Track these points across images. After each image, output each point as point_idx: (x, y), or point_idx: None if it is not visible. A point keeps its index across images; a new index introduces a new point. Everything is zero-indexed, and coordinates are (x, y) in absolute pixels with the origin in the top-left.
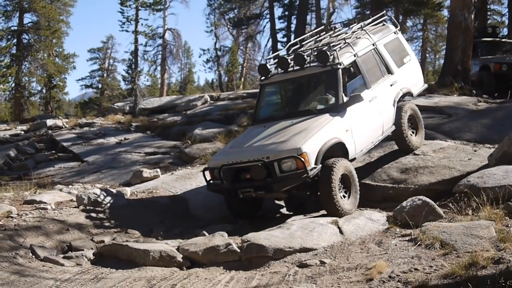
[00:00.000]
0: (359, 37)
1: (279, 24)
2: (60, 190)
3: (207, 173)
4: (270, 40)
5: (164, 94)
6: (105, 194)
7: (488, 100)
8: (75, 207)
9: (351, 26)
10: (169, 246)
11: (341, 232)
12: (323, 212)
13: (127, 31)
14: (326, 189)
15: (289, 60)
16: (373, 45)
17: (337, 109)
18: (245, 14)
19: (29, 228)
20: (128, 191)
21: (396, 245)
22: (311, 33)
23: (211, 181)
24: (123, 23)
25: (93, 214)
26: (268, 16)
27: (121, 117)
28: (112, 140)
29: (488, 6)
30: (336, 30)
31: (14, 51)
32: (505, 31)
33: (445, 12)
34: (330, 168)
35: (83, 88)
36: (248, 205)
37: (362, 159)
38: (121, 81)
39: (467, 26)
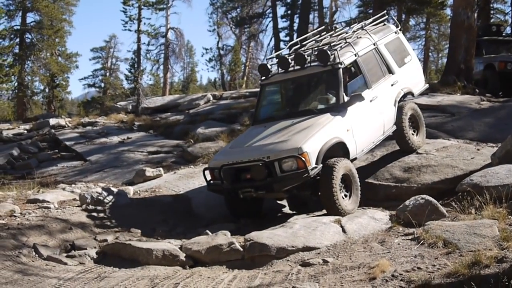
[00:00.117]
0: (360, 37)
1: (281, 23)
2: (63, 189)
3: (207, 173)
4: (273, 39)
5: (166, 93)
6: (108, 193)
7: (491, 99)
8: (78, 206)
9: (351, 26)
10: (172, 245)
11: (344, 231)
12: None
13: (129, 30)
14: (327, 189)
15: (289, 60)
16: (374, 44)
17: (338, 109)
18: (247, 13)
19: (32, 227)
20: (131, 190)
21: (399, 244)
22: (312, 32)
23: (211, 181)
24: (126, 22)
25: (96, 213)
26: (270, 15)
27: (124, 116)
28: (115, 139)
29: (491, 5)
30: (336, 30)
31: (17, 51)
32: (508, 29)
33: (448, 11)
34: (331, 168)
35: (86, 87)
36: (248, 205)
37: (365, 158)
38: (124, 80)
39: (470, 25)
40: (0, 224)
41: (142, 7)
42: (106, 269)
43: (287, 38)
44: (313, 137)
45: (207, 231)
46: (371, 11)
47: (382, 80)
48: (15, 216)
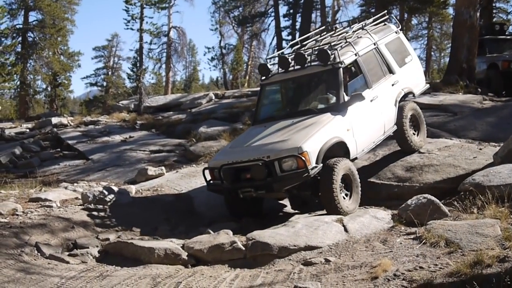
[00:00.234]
0: (360, 37)
1: (284, 22)
2: (65, 188)
3: (207, 173)
4: (275, 38)
5: (169, 92)
6: (110, 192)
7: (494, 98)
8: (80, 205)
9: (352, 26)
10: (174, 244)
11: (346, 230)
12: None
13: (132, 29)
14: (327, 190)
15: (289, 60)
16: (375, 44)
17: (338, 109)
18: (250, 12)
19: (34, 225)
20: (133, 189)
21: (401, 243)
22: (312, 32)
23: (211, 181)
24: (128, 21)
25: (98, 212)
26: (273, 14)
27: (126, 115)
28: (117, 138)
29: (494, 4)
30: (337, 30)
31: (19, 49)
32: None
33: (450, 10)
34: (331, 168)
35: (88, 86)
36: (248, 205)
37: (367, 157)
38: (126, 79)
39: (472, 24)
40: (2, 223)
41: (145, 6)
42: (108, 268)
43: (289, 37)
44: (313, 136)
45: (209, 230)
46: (373, 10)
47: (382, 80)
48: (17, 214)
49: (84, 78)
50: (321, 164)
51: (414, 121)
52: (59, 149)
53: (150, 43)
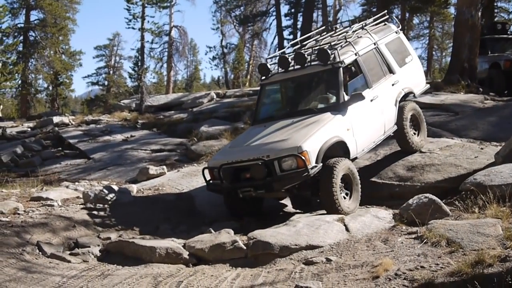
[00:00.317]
0: (360, 36)
1: (285, 22)
2: (67, 187)
3: (206, 172)
4: (276, 37)
5: (170, 92)
6: (111, 191)
7: (495, 98)
8: (82, 204)
9: (352, 26)
10: (175, 243)
11: (347, 229)
12: None
13: (133, 28)
14: (327, 190)
15: (289, 60)
16: (375, 44)
17: (338, 108)
18: (251, 12)
19: (35, 224)
20: (134, 188)
21: (402, 242)
22: (313, 32)
23: (211, 181)
24: (130, 21)
25: (100, 211)
26: (274, 13)
27: (127, 114)
28: (118, 137)
29: (495, 3)
30: (337, 30)
31: (20, 49)
32: None
33: (452, 10)
34: (331, 168)
35: (89, 85)
36: (248, 205)
37: (369, 156)
38: (127, 78)
39: (474, 23)
40: (3, 222)
41: (146, 5)
42: (110, 267)
43: (291, 37)
44: (313, 136)
45: (211, 229)
46: (375, 9)
47: (382, 80)
48: (18, 213)
49: (86, 77)
50: (321, 164)
51: (415, 121)
52: (60, 148)
53: (152, 42)
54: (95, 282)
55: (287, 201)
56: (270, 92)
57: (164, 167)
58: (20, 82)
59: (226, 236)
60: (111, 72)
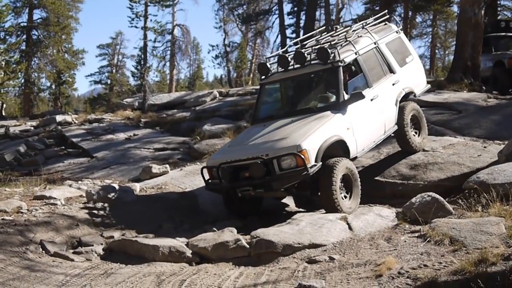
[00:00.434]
0: (361, 36)
1: (288, 20)
2: (70, 185)
3: (205, 172)
4: (279, 36)
5: (173, 90)
6: (114, 190)
7: (498, 96)
8: (85, 203)
9: (352, 25)
10: (178, 241)
11: (350, 228)
12: None
13: (136, 27)
14: (327, 190)
15: (289, 59)
16: (375, 43)
17: (338, 107)
18: (254, 10)
19: (39, 223)
20: (137, 187)
21: (405, 241)
22: (313, 32)
23: (210, 180)
24: (132, 19)
25: (103, 210)
26: (277, 12)
27: (130, 113)
28: (121, 136)
29: (498, 2)
30: (338, 30)
31: (23, 47)
32: None
33: (455, 8)
34: (331, 168)
35: (92, 84)
36: (247, 204)
37: (371, 155)
38: (130, 77)
39: (477, 21)
40: (7, 221)
41: (149, 4)
42: (113, 265)
43: (294, 35)
44: (312, 134)
45: (214, 228)
46: (377, 8)
47: (383, 79)
48: (22, 212)
49: (88, 76)
50: (320, 163)
51: (415, 121)
52: (63, 147)
53: (154, 41)
54: (98, 280)
55: (290, 200)
56: (270, 91)
57: (167, 165)
58: (23, 81)
59: (229, 234)
60: (114, 71)
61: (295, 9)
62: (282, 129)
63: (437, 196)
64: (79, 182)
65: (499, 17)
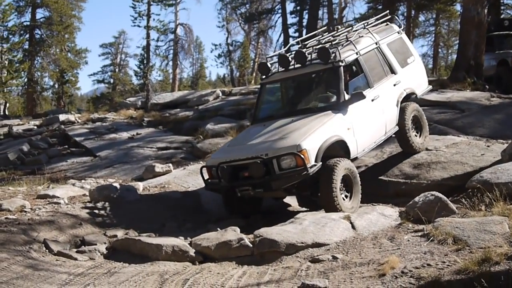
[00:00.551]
0: (362, 36)
1: (290, 19)
2: (73, 184)
3: (204, 171)
4: (282, 35)
5: (176, 89)
6: (117, 189)
7: (501, 95)
8: (88, 202)
9: (354, 25)
10: (181, 241)
11: (353, 227)
12: None
13: (139, 26)
14: (327, 190)
15: (289, 58)
16: (376, 44)
17: (339, 107)
18: (256, 9)
19: (42, 222)
20: (140, 186)
21: (408, 240)
22: (318, 31)
23: (209, 180)
24: (135, 18)
25: (106, 209)
26: (280, 11)
27: (133, 112)
28: (124, 135)
29: (502, 1)
30: (339, 30)
31: (26, 47)
32: None
33: (458, 7)
34: (331, 169)
35: (95, 83)
36: (247, 204)
37: (374, 154)
38: (133, 76)
39: (480, 20)
40: (10, 220)
41: (151, 3)
42: (116, 264)
43: (296, 34)
44: (312, 134)
45: (217, 227)
46: (380, 7)
47: (384, 80)
48: (25, 211)
49: (91, 75)
50: (320, 163)
51: (416, 122)
52: (66, 146)
53: (157, 40)
54: (101, 279)
55: (292, 199)
56: (270, 91)
57: (170, 165)
58: (26, 80)
59: (232, 234)
60: (116, 70)
61: (298, 8)
62: (282, 129)
63: (441, 195)
64: (82, 181)
65: (502, 16)
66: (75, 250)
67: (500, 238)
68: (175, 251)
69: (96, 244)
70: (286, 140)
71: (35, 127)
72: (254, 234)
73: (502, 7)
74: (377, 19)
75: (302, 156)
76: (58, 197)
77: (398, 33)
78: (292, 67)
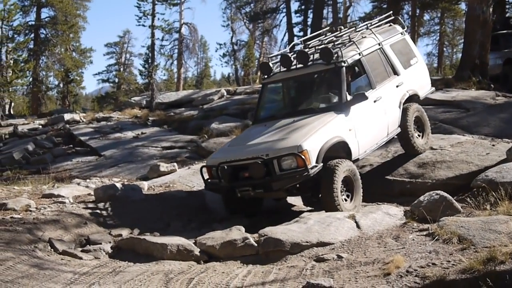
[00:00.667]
0: (365, 36)
1: (295, 18)
2: (78, 184)
3: (204, 171)
4: (287, 34)
5: (180, 89)
6: (122, 188)
7: (507, 94)
8: (93, 201)
9: (357, 25)
10: (186, 240)
11: (358, 226)
12: None
13: (143, 25)
14: (328, 192)
15: (292, 58)
16: (379, 45)
17: (340, 108)
18: (261, 8)
19: (47, 221)
20: (145, 185)
21: (413, 239)
22: (322, 31)
23: (209, 180)
24: (140, 18)
25: (111, 208)
26: (284, 10)
27: (138, 112)
28: (129, 134)
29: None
30: (342, 30)
31: (31, 46)
32: None
33: (463, 6)
34: (332, 170)
35: (100, 83)
36: (247, 204)
37: (379, 153)
38: (138, 75)
39: (485, 19)
40: (16, 219)
41: (156, 2)
42: (121, 263)
43: (301, 34)
44: (313, 135)
45: (222, 226)
46: (385, 6)
47: (386, 81)
48: (30, 210)
49: (96, 74)
50: (321, 164)
51: (419, 122)
52: (71, 145)
53: (162, 40)
54: (106, 278)
55: (297, 199)
56: (272, 91)
57: (175, 164)
58: (31, 79)
59: (237, 233)
60: (121, 69)
61: (303, 7)
62: (283, 129)
63: (446, 194)
64: (87, 180)
65: (507, 15)
66: (80, 249)
67: (506, 237)
68: (180, 250)
69: (101, 243)
70: (287, 141)
71: (40, 126)
72: (259, 233)
73: (507, 6)
74: (380, 20)
75: (303, 156)
76: (63, 197)
77: (401, 34)
78: (294, 67)
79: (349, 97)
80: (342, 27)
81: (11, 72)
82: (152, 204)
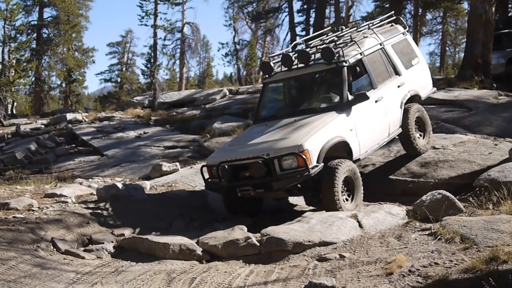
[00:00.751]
0: (366, 36)
1: (297, 18)
2: (80, 183)
3: (205, 170)
4: (289, 33)
5: (183, 88)
6: (124, 188)
7: (509, 93)
8: (95, 201)
9: (359, 25)
10: (188, 239)
11: (360, 226)
12: None
13: (146, 25)
14: (328, 192)
15: (293, 58)
16: (381, 44)
17: (342, 108)
18: (263, 8)
19: (50, 221)
20: (147, 184)
21: (416, 239)
22: (324, 30)
23: (209, 179)
24: (142, 17)
25: (113, 208)
26: (286, 9)
27: (140, 111)
28: (132, 134)
29: None
30: (343, 30)
31: (34, 46)
32: None
33: (465, 5)
34: (333, 170)
35: (102, 82)
36: (247, 204)
37: (382, 152)
38: (140, 75)
39: (487, 19)
40: (18, 218)
41: (158, 2)
42: (123, 263)
43: (303, 33)
44: (314, 135)
45: (224, 226)
46: (387, 5)
47: (388, 81)
48: (33, 210)
49: (99, 74)
50: (322, 164)
51: (420, 123)
52: (74, 145)
53: (164, 39)
54: (109, 278)
55: (299, 198)
56: (273, 90)
57: (177, 163)
58: (33, 79)
59: (239, 232)
60: (124, 69)
61: (305, 6)
62: (284, 129)
63: (448, 194)
64: (90, 180)
65: (510, 14)
66: (82, 249)
67: (508, 236)
68: (182, 250)
69: (103, 243)
70: (287, 140)
71: (43, 126)
72: (261, 233)
73: (510, 5)
74: (382, 20)
75: (304, 156)
76: (66, 196)
77: (403, 34)
78: (295, 66)
79: (350, 97)
80: (344, 27)
81: (13, 71)
82: (154, 204)
